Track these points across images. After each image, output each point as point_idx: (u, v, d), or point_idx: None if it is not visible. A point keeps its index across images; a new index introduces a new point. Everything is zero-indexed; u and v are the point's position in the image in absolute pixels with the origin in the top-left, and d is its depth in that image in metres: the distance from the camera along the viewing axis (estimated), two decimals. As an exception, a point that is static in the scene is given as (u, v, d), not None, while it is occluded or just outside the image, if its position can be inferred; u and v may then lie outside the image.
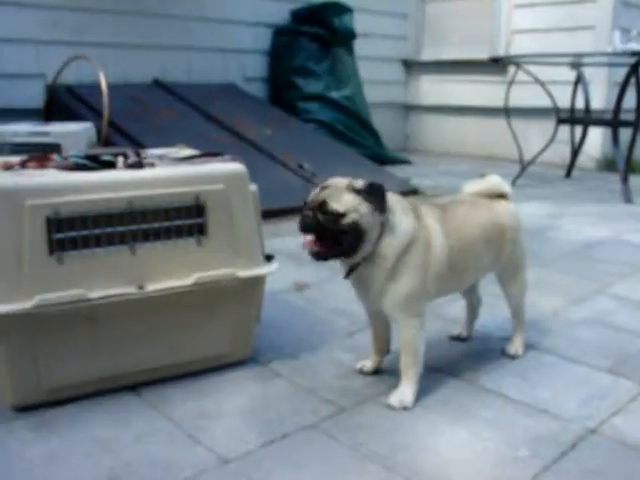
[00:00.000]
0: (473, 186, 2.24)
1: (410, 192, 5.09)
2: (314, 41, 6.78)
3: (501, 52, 7.47)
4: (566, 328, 2.54)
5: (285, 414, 1.85)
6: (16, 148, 3.71)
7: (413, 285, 1.86)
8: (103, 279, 1.82)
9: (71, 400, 1.89)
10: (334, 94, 6.73)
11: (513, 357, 2.27)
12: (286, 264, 3.17)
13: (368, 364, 2.11)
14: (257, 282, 2.07)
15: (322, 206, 1.76)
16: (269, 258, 2.11)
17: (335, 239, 1.78)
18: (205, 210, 1.92)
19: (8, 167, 1.96)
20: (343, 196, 1.77)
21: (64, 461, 1.63)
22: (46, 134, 3.79)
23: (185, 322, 1.97)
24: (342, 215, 1.75)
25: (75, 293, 1.77)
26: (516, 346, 2.29)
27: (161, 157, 2.08)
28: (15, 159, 2.02)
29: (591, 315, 2.69)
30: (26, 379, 1.81)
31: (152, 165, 1.99)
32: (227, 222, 1.96)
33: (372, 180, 1.84)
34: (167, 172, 1.93)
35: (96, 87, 4.82)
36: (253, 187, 2.06)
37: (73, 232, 1.78)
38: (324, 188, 1.80)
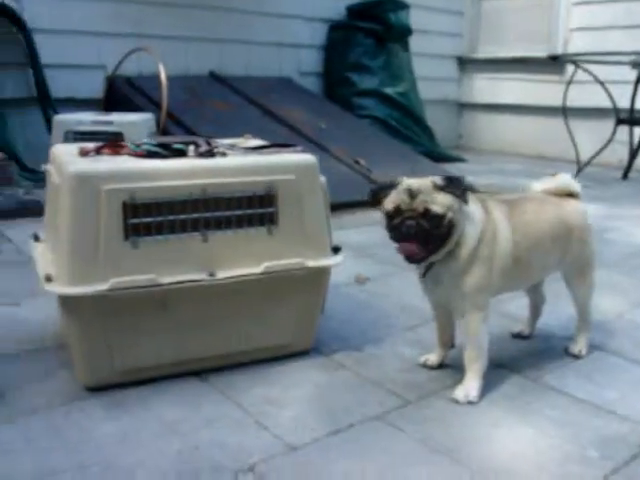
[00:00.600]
0: (542, 184, 2.22)
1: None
2: (369, 37, 6.77)
3: (559, 50, 7.35)
4: (631, 330, 2.50)
5: (350, 404, 1.86)
6: (79, 136, 3.79)
7: (481, 277, 1.87)
8: (175, 265, 1.85)
9: (141, 383, 1.93)
10: (389, 90, 6.72)
11: (577, 357, 2.24)
12: (347, 257, 3.18)
13: (432, 358, 2.11)
14: (324, 272, 2.08)
15: (426, 213, 1.76)
16: (336, 250, 2.12)
17: (431, 239, 1.79)
18: (276, 200, 1.94)
19: (84, 153, 2.00)
20: (436, 197, 1.77)
21: (134, 440, 1.67)
22: (109, 123, 3.86)
23: (252, 310, 1.99)
24: (443, 217, 1.77)
25: (148, 278, 1.80)
26: (580, 346, 2.26)
27: (231, 146, 2.10)
28: (90, 145, 2.07)
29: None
30: (99, 360, 1.86)
31: (223, 154, 2.02)
32: (297, 212, 1.97)
33: (447, 174, 1.84)
34: (240, 161, 1.96)
35: (154, 79, 4.90)
36: (323, 179, 2.07)
37: (148, 218, 1.81)
38: (410, 192, 1.78)
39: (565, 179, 2.24)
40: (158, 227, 1.83)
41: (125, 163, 1.89)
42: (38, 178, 4.82)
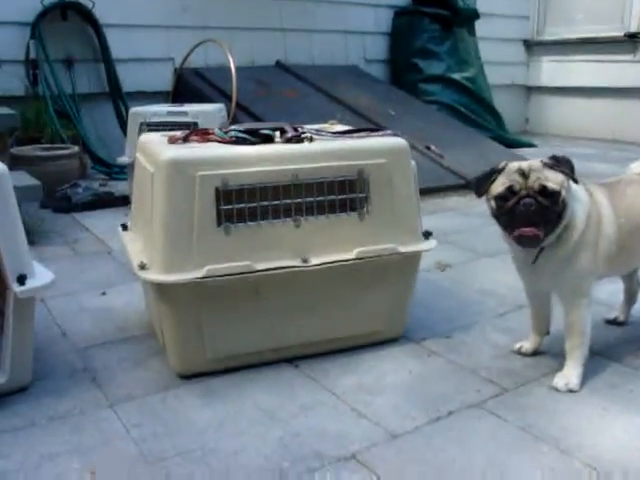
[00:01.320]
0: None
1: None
2: (435, 22, 6.66)
3: (632, 29, 7.11)
4: None
5: (447, 392, 1.82)
6: (154, 127, 3.82)
7: (588, 262, 1.81)
8: (268, 251, 1.83)
9: (234, 370, 1.93)
10: (456, 75, 6.60)
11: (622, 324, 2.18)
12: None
13: (527, 345, 2.05)
14: (417, 258, 2.04)
15: (543, 190, 1.70)
16: (427, 235, 2.08)
17: (549, 219, 1.73)
18: (368, 184, 1.91)
19: (173, 141, 2.00)
20: (549, 175, 1.72)
21: (232, 427, 1.66)
22: (184, 114, 3.87)
23: (344, 297, 1.97)
24: (559, 194, 1.71)
25: (242, 264, 1.80)
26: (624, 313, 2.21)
27: (319, 132, 2.08)
28: (179, 133, 2.07)
29: None
30: (192, 348, 1.86)
31: (311, 139, 1.99)
32: (389, 197, 1.94)
33: (554, 154, 1.78)
34: (331, 145, 1.93)
35: (221, 70, 4.92)
36: (413, 163, 2.03)
37: (241, 204, 1.80)
38: (522, 172, 1.72)
39: None
40: (250, 213, 1.82)
41: (217, 149, 1.88)
42: (112, 171, 4.91)
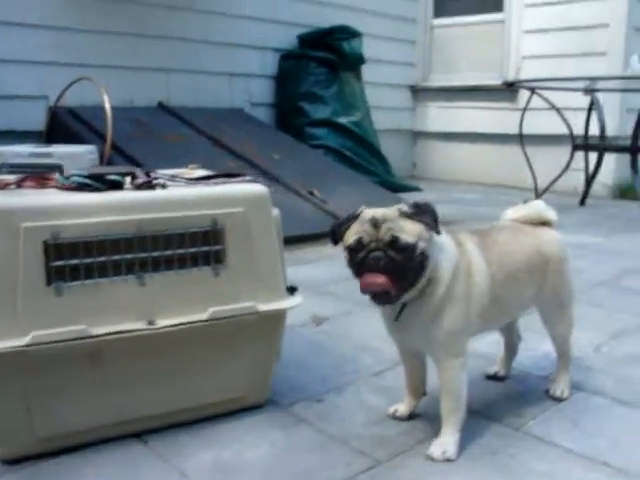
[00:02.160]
0: (515, 212, 2.04)
1: (425, 219, 4.90)
2: (322, 66, 6.62)
3: (511, 78, 7.32)
4: (611, 366, 2.33)
5: (313, 467, 1.63)
6: (15, 170, 3.52)
7: (458, 318, 1.67)
8: (108, 313, 1.61)
9: (70, 450, 1.67)
10: (342, 119, 6.56)
11: (559, 399, 2.05)
12: (302, 295, 2.97)
13: (402, 408, 1.89)
14: (279, 317, 1.85)
15: (394, 243, 1.55)
16: (292, 290, 1.90)
17: (403, 274, 1.58)
18: (223, 236, 1.71)
19: (3, 186, 1.76)
20: (404, 225, 1.57)
21: (61, 524, 1.41)
22: (48, 155, 3.60)
23: (199, 361, 1.75)
24: (414, 247, 1.56)
25: (76, 329, 1.56)
26: (562, 387, 2.07)
27: (173, 177, 1.88)
28: (11, 177, 1.82)
29: (636, 351, 2.47)
30: (18, 427, 1.59)
31: (163, 186, 1.79)
32: (247, 249, 1.75)
33: (415, 201, 1.64)
34: (181, 193, 1.72)
35: (97, 109, 4.63)
36: (275, 211, 1.86)
37: (74, 259, 1.57)
38: (374, 221, 1.58)
39: (539, 206, 2.08)
40: (87, 270, 1.59)
41: (48, 197, 1.65)
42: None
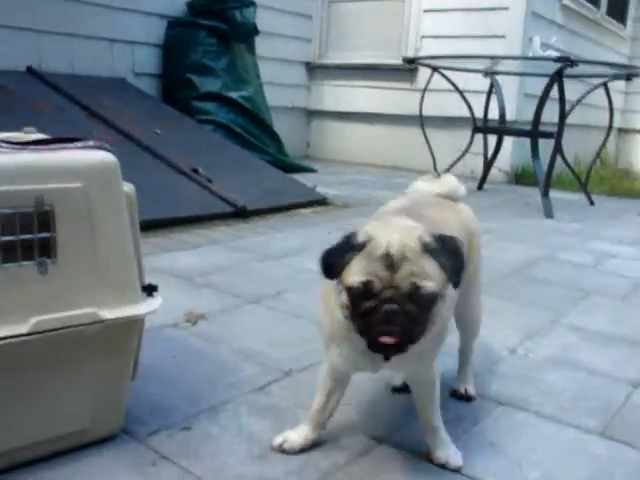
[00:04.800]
0: (431, 185, 1.72)
1: (319, 202, 4.56)
2: (212, 35, 6.13)
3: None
4: (530, 372, 2.04)
5: (171, 529, 1.23)
6: None
7: (442, 324, 1.35)
8: None
9: None
10: (233, 94, 6.11)
11: (468, 398, 1.78)
12: (175, 288, 2.55)
13: (293, 438, 1.50)
14: (133, 325, 1.41)
15: (416, 293, 1.18)
16: (150, 289, 1.47)
17: (419, 327, 1.23)
18: (52, 219, 1.26)
19: None
20: (427, 267, 1.20)
21: None
22: None
23: (23, 388, 1.30)
24: (436, 297, 1.21)
25: None
26: (467, 381, 1.83)
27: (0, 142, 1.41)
28: None
29: (554, 353, 2.20)
30: None
31: (-23, 152, 1.32)
32: (87, 238, 1.31)
33: (441, 232, 1.27)
34: (-7, 161, 1.26)
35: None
36: (129, 187, 1.42)
37: None
38: (389, 263, 1.19)
39: (454, 181, 1.77)
40: None
41: None
42: None
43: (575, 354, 2.21)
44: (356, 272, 1.20)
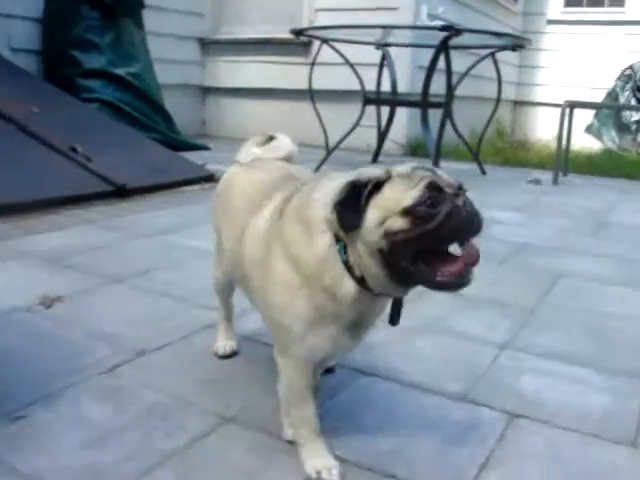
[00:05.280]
0: (269, 151, 1.64)
1: (206, 178, 4.43)
2: (95, 9, 5.86)
3: (303, 31, 6.98)
4: (398, 340, 1.99)
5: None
6: None
7: None
8: None
9: None
10: (119, 71, 5.87)
11: (329, 371, 1.71)
12: (36, 271, 2.40)
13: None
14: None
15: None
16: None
17: None
18: None
19: None
20: None
21: None
22: None
23: None
24: None
25: None
26: None
27: None
28: None
29: (425, 321, 2.17)
30: None
31: None
32: None
33: None
34: None
35: None
36: None
37: None
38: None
39: (288, 140, 1.69)
40: None
41: None
42: None
43: (447, 321, 2.19)
44: (404, 190, 1.10)
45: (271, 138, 1.68)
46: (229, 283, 1.70)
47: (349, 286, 1.16)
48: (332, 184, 1.17)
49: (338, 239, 1.15)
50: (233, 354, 1.78)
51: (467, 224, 1.10)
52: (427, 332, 2.08)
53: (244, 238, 1.36)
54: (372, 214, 1.10)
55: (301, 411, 1.32)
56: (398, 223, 1.08)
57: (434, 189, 1.09)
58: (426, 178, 1.10)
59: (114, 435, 1.39)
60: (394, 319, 1.27)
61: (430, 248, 1.10)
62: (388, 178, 1.12)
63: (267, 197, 1.38)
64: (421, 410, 1.59)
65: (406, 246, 1.09)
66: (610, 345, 2.06)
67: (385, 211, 1.09)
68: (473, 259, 1.11)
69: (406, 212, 1.08)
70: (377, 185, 1.11)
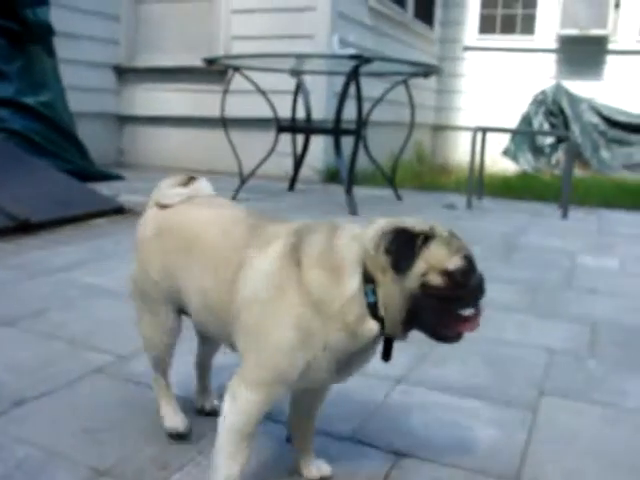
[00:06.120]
0: (194, 191, 1.59)
1: (115, 210, 4.34)
2: (3, 36, 5.72)
3: (220, 59, 6.96)
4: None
5: None
6: None
7: None
8: None
9: None
10: (29, 100, 5.73)
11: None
12: None
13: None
14: None
15: None
16: None
17: None
18: None
19: None
20: None
21: None
22: None
23: None
24: None
25: None
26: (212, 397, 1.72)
27: None
28: None
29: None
30: None
31: None
32: None
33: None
34: None
35: None
36: None
37: None
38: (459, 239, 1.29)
39: (206, 182, 1.64)
40: None
41: None
42: None
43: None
44: (445, 254, 1.23)
45: (190, 179, 1.61)
46: (172, 345, 1.57)
47: (372, 324, 1.25)
48: (367, 229, 1.29)
49: (367, 281, 1.23)
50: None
51: (483, 291, 1.28)
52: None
53: (238, 277, 1.32)
54: (419, 264, 1.22)
55: (231, 464, 1.27)
56: (437, 280, 1.22)
57: (468, 261, 1.25)
58: (462, 250, 1.25)
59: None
60: (387, 355, 1.34)
61: (451, 307, 1.27)
62: (433, 236, 1.25)
63: (254, 236, 1.37)
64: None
65: (436, 301, 1.24)
66: (505, 375, 2.08)
67: (429, 265, 1.22)
68: (479, 321, 1.29)
69: (446, 273, 1.23)
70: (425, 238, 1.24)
